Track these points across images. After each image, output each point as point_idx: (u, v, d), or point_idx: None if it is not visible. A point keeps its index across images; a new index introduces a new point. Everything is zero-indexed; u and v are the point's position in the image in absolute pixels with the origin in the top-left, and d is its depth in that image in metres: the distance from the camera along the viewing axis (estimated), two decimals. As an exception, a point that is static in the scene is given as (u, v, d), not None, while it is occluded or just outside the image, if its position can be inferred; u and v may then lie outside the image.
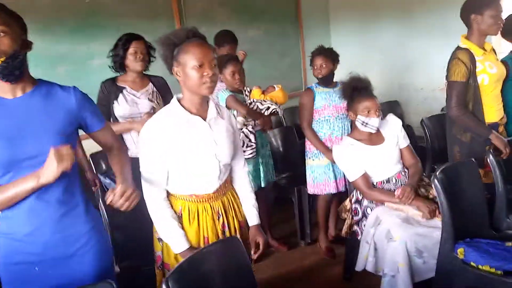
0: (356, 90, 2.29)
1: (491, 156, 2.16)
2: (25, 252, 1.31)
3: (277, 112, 2.72)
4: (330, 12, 4.79)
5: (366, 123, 2.24)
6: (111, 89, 2.32)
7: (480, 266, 1.75)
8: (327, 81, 2.73)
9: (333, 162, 2.64)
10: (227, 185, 1.68)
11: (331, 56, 2.71)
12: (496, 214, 2.15)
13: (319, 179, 2.78)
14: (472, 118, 2.29)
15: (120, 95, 2.31)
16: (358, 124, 2.28)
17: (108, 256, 1.51)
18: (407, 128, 2.73)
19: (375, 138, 2.31)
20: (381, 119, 2.29)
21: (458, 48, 2.32)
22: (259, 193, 2.78)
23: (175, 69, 1.50)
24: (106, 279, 1.26)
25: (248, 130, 2.61)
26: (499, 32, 2.36)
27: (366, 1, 4.43)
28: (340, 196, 2.77)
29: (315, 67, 2.71)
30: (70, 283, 1.33)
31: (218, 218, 1.61)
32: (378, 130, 2.30)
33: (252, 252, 1.70)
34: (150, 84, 2.42)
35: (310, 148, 2.80)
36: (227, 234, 1.62)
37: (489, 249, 1.80)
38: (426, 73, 3.92)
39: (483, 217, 2.11)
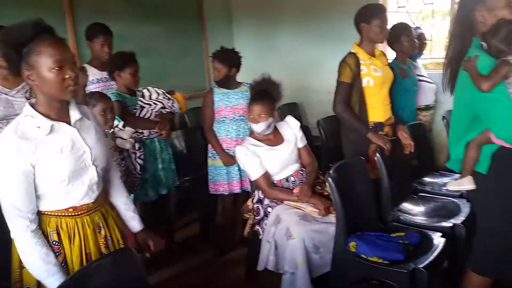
0: (255, 94, 2.33)
1: (377, 154, 2.33)
2: None
3: (176, 111, 2.67)
4: (233, 11, 4.81)
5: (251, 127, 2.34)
6: None
7: (369, 258, 1.88)
8: (223, 84, 2.75)
9: (227, 165, 2.72)
10: (104, 195, 1.55)
11: (228, 60, 2.71)
12: (383, 208, 2.33)
13: (215, 178, 2.80)
14: (353, 116, 2.46)
15: None
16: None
17: None
18: (305, 128, 2.84)
19: (275, 138, 2.37)
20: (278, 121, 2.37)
21: (349, 52, 2.51)
22: (160, 201, 2.70)
23: (26, 73, 1.27)
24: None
25: (136, 158, 2.47)
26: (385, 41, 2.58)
27: (266, 3, 4.54)
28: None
29: (214, 70, 2.75)
30: None
31: (100, 231, 1.47)
32: (278, 131, 2.38)
33: (146, 254, 1.66)
34: None
35: (211, 147, 2.82)
36: (111, 246, 1.50)
37: (377, 241, 1.94)
38: (320, 76, 4.12)
39: (372, 211, 2.27)
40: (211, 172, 2.83)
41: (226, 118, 2.76)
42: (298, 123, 2.49)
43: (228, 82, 2.75)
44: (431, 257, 1.87)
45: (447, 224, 2.14)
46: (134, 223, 1.66)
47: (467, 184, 1.75)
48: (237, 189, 2.78)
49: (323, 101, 4.11)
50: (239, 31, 4.81)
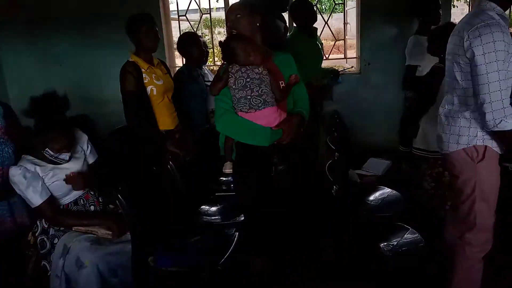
0: (48, 119, 1.95)
1: (170, 162, 2.32)
2: None
3: None
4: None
5: (56, 157, 2.02)
6: None
7: (169, 268, 1.85)
8: None
9: None
10: None
11: None
12: (184, 213, 2.33)
13: None
14: (147, 127, 2.43)
15: None
16: (45, 154, 2.01)
17: None
18: (97, 141, 2.61)
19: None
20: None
21: (127, 61, 2.44)
22: None
23: None
24: None
25: None
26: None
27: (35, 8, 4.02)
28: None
29: None
30: None
31: None
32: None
33: None
34: None
35: None
36: None
37: (176, 249, 1.92)
38: (109, 86, 3.90)
39: (172, 219, 2.24)
40: None
41: None
42: (85, 136, 2.25)
43: None
44: (227, 253, 1.96)
45: (240, 218, 2.29)
46: None
47: (227, 168, 2.01)
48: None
49: (116, 112, 3.88)
50: (4, 35, 4.07)
